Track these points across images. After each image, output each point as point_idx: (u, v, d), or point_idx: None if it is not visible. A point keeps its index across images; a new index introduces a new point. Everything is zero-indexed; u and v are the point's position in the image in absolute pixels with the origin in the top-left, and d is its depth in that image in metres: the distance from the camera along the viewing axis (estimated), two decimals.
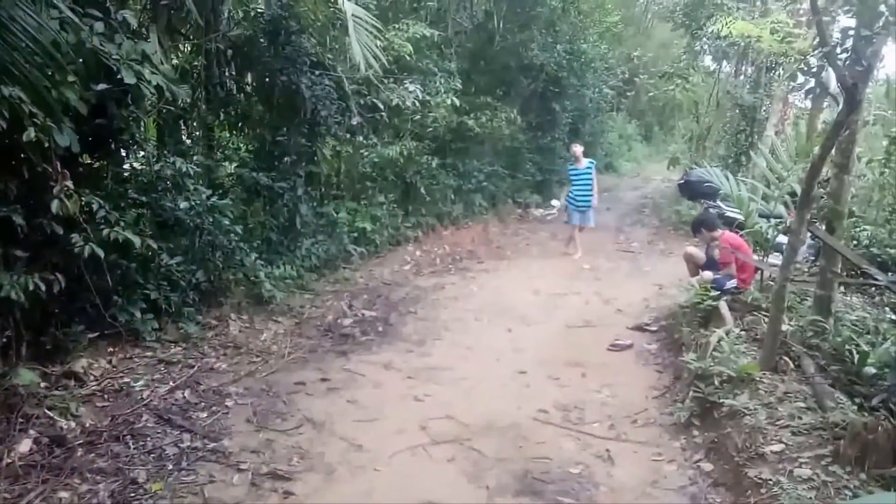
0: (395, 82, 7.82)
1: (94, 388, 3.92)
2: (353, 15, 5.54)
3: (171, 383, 4.13)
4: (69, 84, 3.53)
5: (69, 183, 3.71)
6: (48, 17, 3.40)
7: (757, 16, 11.01)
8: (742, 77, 14.01)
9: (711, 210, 8.32)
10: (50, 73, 3.42)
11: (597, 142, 17.29)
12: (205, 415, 3.83)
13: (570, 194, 9.28)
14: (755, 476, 3.00)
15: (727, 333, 4.56)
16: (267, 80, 6.44)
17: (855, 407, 3.43)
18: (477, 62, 11.54)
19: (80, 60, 3.76)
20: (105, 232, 4.04)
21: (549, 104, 13.21)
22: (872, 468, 2.81)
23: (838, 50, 3.69)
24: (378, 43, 6.09)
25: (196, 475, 3.21)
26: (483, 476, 3.35)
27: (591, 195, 9.15)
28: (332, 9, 6.17)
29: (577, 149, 9.33)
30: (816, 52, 4.16)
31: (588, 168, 9.20)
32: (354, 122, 7.22)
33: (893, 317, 3.76)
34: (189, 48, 6.33)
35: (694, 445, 3.69)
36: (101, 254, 3.95)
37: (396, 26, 8.23)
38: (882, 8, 3.48)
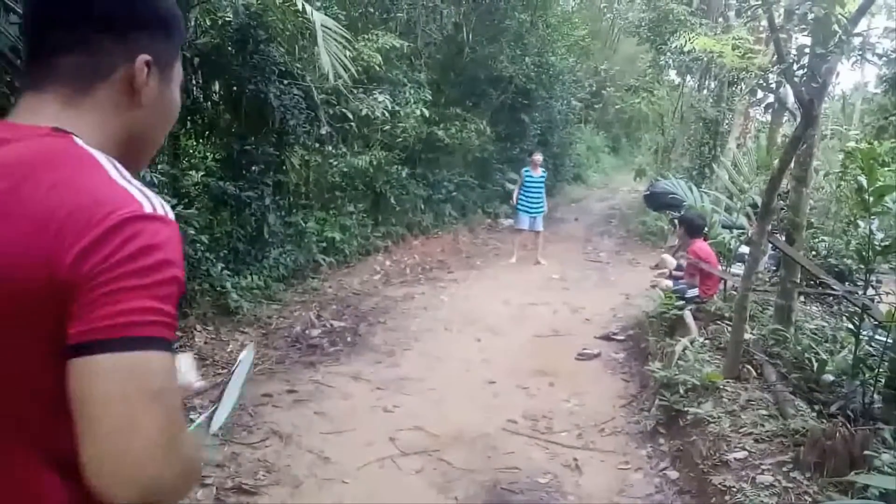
0: (364, 92, 7.82)
1: None
2: (321, 25, 5.53)
3: None
4: None
5: None
6: (7, 21, 3.32)
7: (719, 32, 11.29)
8: (705, 91, 14.35)
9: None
10: (9, 79, 3.35)
11: (565, 153, 17.48)
12: None
13: (523, 199, 9.47)
14: (719, 483, 3.05)
15: (692, 342, 4.64)
16: (234, 88, 6.38)
17: (814, 414, 3.52)
18: (446, 73, 11.61)
19: None
20: None
21: (518, 115, 13.35)
22: (831, 473, 2.88)
23: (795, 67, 3.81)
24: (347, 53, 6.09)
25: None
26: (452, 487, 3.34)
27: (543, 201, 9.51)
28: (300, 18, 6.14)
29: (538, 157, 9.72)
30: (774, 68, 4.29)
31: (542, 176, 9.58)
32: (323, 131, 7.19)
33: (850, 326, 3.87)
34: None
35: (660, 453, 3.74)
36: None
37: (366, 37, 8.23)
38: (835, 27, 3.61)
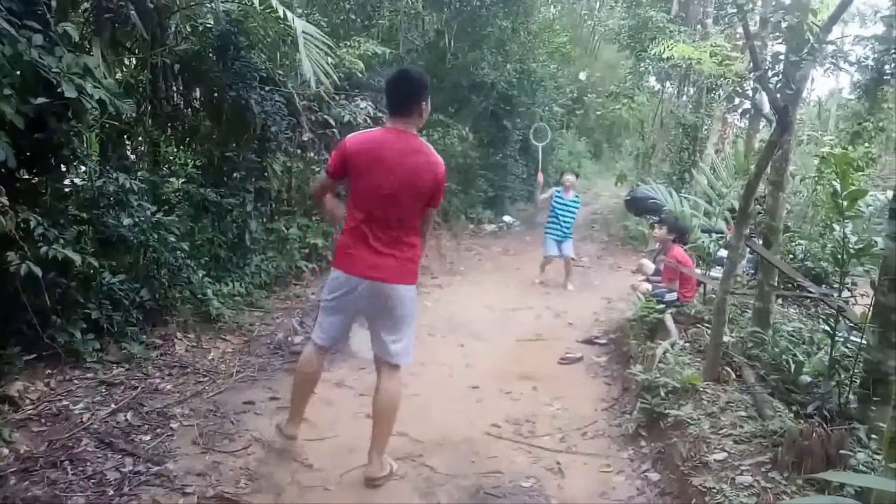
0: (346, 99, 7.83)
1: (29, 412, 3.74)
2: (303, 32, 5.53)
3: (112, 405, 3.98)
4: (5, 97, 3.41)
5: (4, 199, 3.57)
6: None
7: (697, 39, 11.46)
8: (684, 97, 14.53)
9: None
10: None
11: (547, 159, 17.60)
12: (148, 437, 3.71)
13: (552, 223, 8.64)
14: (699, 484, 3.08)
15: (672, 345, 4.69)
16: (215, 95, 6.35)
17: (792, 414, 3.57)
18: (428, 80, 11.63)
19: (18, 73, 3.65)
20: (43, 250, 3.90)
21: (500, 122, 13.43)
22: (808, 473, 2.93)
23: (770, 74, 3.88)
24: (329, 60, 6.09)
25: (139, 500, 3.10)
26: (435, 492, 3.34)
27: (571, 227, 8.66)
28: (281, 25, 6.14)
29: (571, 178, 8.71)
30: (750, 75, 4.36)
31: (575, 200, 8.66)
32: (305, 138, 7.18)
33: (826, 327, 3.93)
34: (134, 62, 6.20)
35: (641, 456, 3.77)
36: (39, 272, 3.81)
37: (348, 43, 8.24)
38: (808, 35, 3.69)
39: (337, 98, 7.61)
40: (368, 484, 3.31)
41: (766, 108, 4.96)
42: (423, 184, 3.09)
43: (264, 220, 7.02)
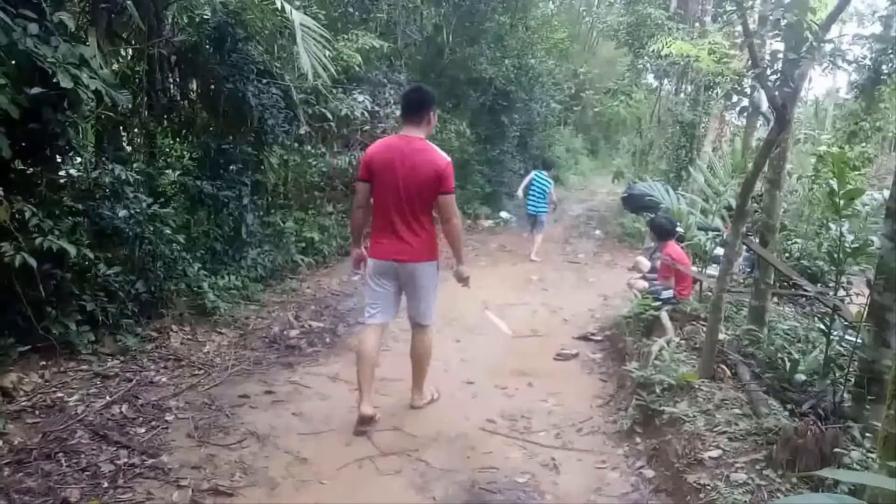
0: (343, 92, 7.80)
1: (23, 403, 3.73)
2: (301, 24, 5.52)
3: (107, 398, 3.97)
4: (0, 87, 3.39)
5: None
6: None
7: (695, 36, 11.46)
8: (682, 95, 14.54)
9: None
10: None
11: (544, 155, 17.59)
12: (143, 430, 3.70)
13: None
14: (694, 481, 3.09)
15: (668, 343, 4.69)
16: (212, 87, 6.32)
17: (787, 413, 3.58)
18: (426, 74, 11.62)
19: (13, 62, 3.62)
20: (38, 241, 3.88)
21: (497, 117, 13.39)
22: (802, 471, 2.94)
23: (768, 72, 3.87)
24: (327, 53, 6.08)
25: (133, 493, 3.09)
26: (430, 487, 3.34)
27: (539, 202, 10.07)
28: (279, 17, 6.11)
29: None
30: (749, 73, 4.36)
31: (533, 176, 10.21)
32: (302, 131, 7.16)
33: (821, 326, 3.94)
34: (130, 53, 6.17)
35: (636, 452, 3.77)
36: (34, 263, 3.79)
37: (345, 37, 8.22)
38: (807, 33, 3.68)
39: (334, 91, 7.58)
40: (413, 407, 4.26)
41: (764, 106, 4.96)
42: (426, 176, 3.72)
43: (261, 213, 7.01)
